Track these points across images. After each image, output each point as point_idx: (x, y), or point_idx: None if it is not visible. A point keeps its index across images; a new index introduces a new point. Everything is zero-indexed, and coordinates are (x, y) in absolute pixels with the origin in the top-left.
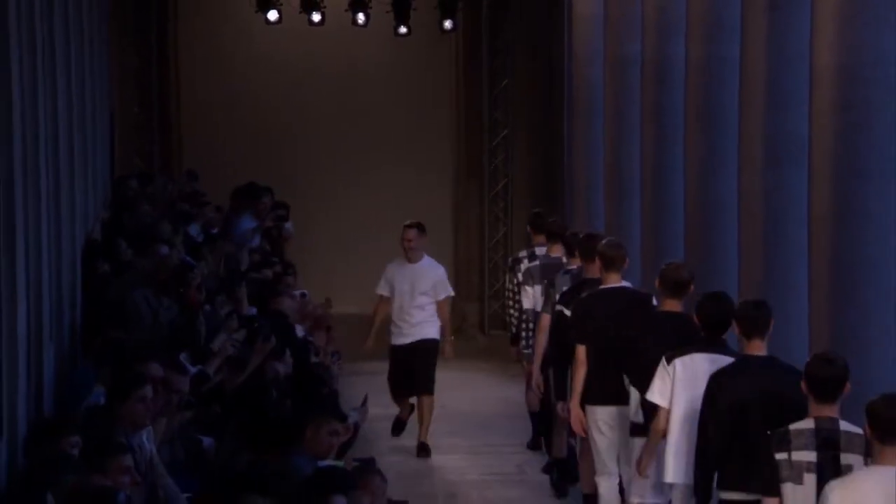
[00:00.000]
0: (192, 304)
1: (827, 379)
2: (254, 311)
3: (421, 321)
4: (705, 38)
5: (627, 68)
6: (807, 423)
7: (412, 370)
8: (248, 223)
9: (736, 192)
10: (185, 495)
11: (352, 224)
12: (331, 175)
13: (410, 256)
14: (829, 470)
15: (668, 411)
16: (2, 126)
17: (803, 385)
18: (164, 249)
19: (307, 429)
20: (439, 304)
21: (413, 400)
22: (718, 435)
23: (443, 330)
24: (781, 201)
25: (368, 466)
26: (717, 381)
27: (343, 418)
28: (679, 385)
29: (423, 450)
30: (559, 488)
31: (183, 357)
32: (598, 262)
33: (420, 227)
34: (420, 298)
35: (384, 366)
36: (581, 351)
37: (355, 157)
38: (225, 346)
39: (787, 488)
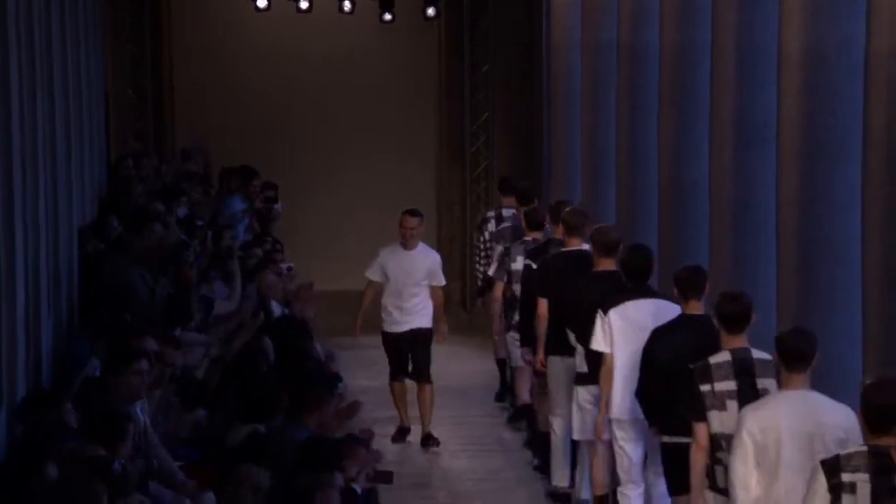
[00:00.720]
0: (186, 281)
1: (735, 313)
2: None
3: (416, 310)
4: (678, 25)
5: (604, 54)
6: (723, 356)
7: (408, 358)
8: (238, 204)
9: (707, 173)
10: (178, 464)
11: (338, 204)
12: (318, 156)
13: (408, 244)
14: (747, 395)
15: (612, 356)
16: (1, 110)
17: (715, 321)
18: (159, 227)
19: (306, 401)
20: (433, 291)
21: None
22: (658, 385)
23: (436, 316)
24: (751, 182)
25: (355, 437)
26: (655, 337)
27: (333, 386)
28: (617, 332)
29: (430, 439)
30: (540, 467)
31: (178, 332)
32: (561, 228)
33: (420, 215)
34: (415, 287)
35: (369, 340)
36: (543, 304)
37: (342, 140)
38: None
39: (713, 415)
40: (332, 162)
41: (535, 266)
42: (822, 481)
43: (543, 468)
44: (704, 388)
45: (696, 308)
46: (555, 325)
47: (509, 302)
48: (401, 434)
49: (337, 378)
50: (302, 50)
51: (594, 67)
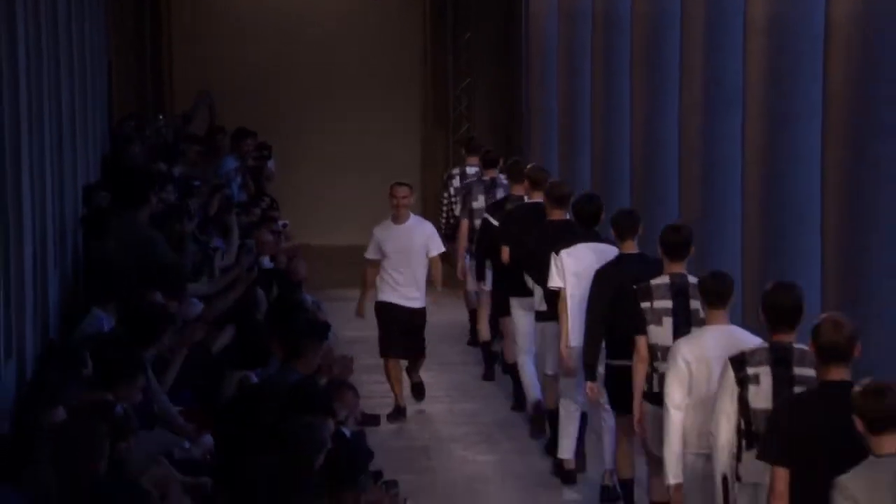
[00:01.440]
0: (182, 240)
1: (676, 243)
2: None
3: (411, 285)
4: None
5: (579, 21)
6: (663, 279)
7: (403, 336)
8: (231, 163)
9: (677, 134)
10: (177, 409)
11: (329, 164)
12: (311, 119)
13: (399, 215)
14: (681, 313)
15: (565, 290)
16: (9, 76)
17: (659, 249)
18: (156, 199)
19: (299, 349)
20: (432, 261)
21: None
22: (604, 315)
23: (433, 275)
24: (718, 142)
25: (342, 382)
26: (600, 274)
27: (324, 335)
28: (567, 270)
29: (417, 389)
30: (517, 402)
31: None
32: (526, 183)
33: (410, 186)
34: (411, 259)
35: (358, 293)
36: (505, 251)
37: (333, 103)
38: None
39: (651, 329)
40: (323, 124)
41: (493, 220)
42: (730, 375)
43: (520, 407)
44: (645, 305)
45: (631, 247)
46: (514, 270)
47: (472, 237)
48: (397, 413)
49: (327, 326)
50: (295, 19)
51: (570, 34)
